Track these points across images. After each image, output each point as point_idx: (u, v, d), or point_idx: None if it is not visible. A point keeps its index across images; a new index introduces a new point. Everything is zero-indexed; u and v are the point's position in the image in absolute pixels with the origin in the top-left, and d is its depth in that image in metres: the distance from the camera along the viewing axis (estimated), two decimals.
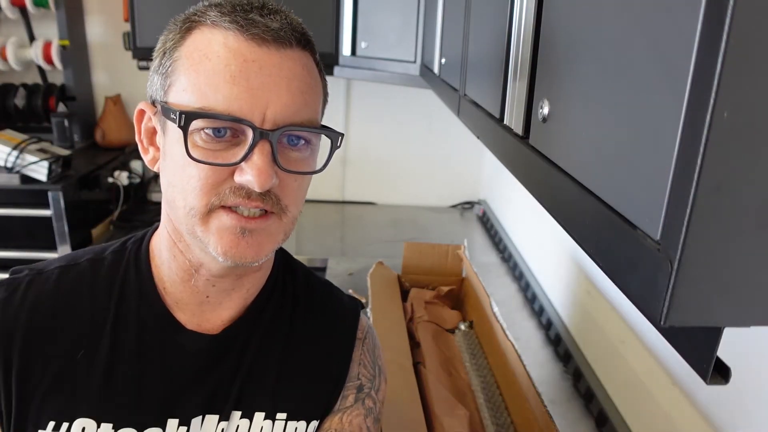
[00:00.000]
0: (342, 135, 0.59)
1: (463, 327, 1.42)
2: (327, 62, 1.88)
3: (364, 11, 1.71)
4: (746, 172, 0.25)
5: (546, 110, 0.46)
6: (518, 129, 0.55)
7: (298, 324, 0.70)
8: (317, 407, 0.68)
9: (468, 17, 0.86)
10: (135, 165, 2.22)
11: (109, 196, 2.11)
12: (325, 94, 0.62)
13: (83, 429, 0.58)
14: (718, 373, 0.29)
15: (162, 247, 0.62)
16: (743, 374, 0.75)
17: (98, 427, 0.58)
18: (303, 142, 0.57)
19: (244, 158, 0.52)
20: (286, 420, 0.66)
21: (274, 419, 0.65)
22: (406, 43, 1.50)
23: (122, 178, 2.10)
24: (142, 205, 2.25)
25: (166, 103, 0.55)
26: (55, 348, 0.59)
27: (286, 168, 0.55)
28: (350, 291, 1.60)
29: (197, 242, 0.57)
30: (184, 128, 0.52)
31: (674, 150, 0.27)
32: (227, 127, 0.53)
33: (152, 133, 0.61)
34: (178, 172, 0.55)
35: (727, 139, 0.24)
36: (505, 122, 0.60)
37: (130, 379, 0.60)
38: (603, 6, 0.36)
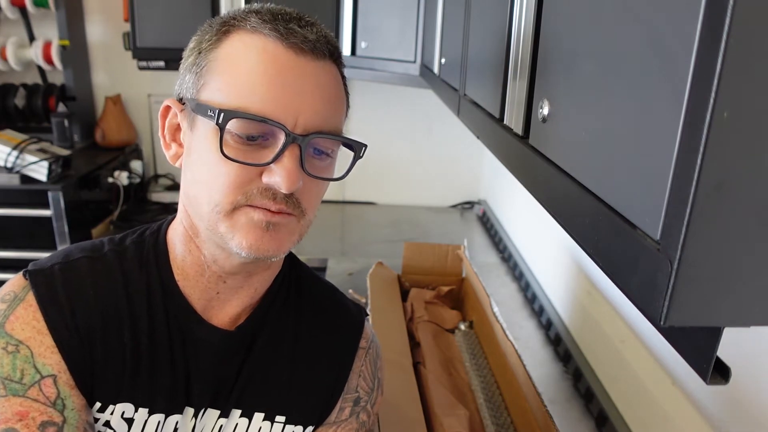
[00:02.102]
0: (366, 146, 0.61)
1: (463, 327, 1.42)
2: None
3: (364, 11, 1.70)
4: (746, 172, 0.25)
5: (546, 110, 0.46)
6: (518, 129, 0.55)
7: (303, 327, 0.70)
8: (314, 413, 0.69)
9: (468, 17, 0.86)
10: (135, 165, 2.22)
11: (109, 196, 2.11)
12: (348, 107, 0.64)
13: (123, 413, 0.59)
14: (718, 373, 0.29)
15: (177, 241, 0.64)
16: (743, 374, 0.75)
17: (136, 411, 0.60)
18: (325, 154, 0.59)
19: (275, 160, 0.54)
20: (285, 423, 0.66)
21: (273, 421, 0.66)
22: (406, 43, 1.50)
23: (122, 178, 2.10)
24: (142, 205, 2.25)
25: (198, 101, 0.56)
26: (103, 333, 0.59)
27: (311, 173, 0.57)
28: (350, 291, 1.60)
29: (217, 238, 0.58)
30: (222, 126, 0.53)
31: (674, 150, 0.27)
32: (260, 133, 0.54)
33: (176, 129, 0.62)
34: (204, 169, 0.56)
35: (727, 139, 0.24)
36: (505, 122, 0.60)
37: (163, 366, 0.61)
38: (603, 6, 0.36)
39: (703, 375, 0.29)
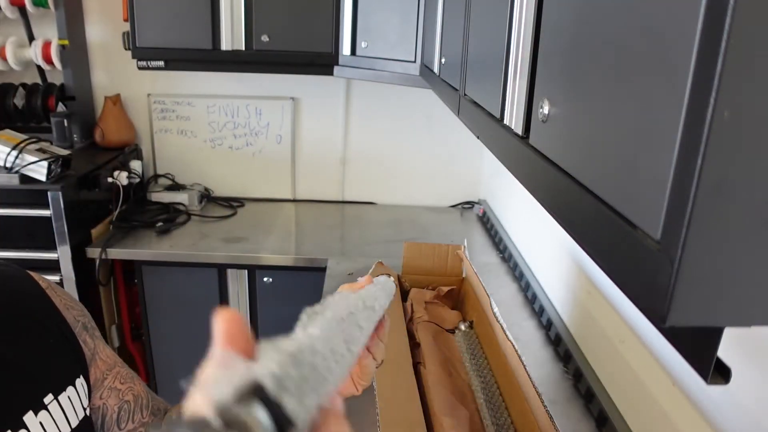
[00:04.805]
0: None
1: (463, 327, 1.42)
2: (327, 62, 1.88)
3: (364, 11, 1.70)
4: (746, 172, 0.25)
5: (546, 110, 0.46)
6: (518, 129, 0.55)
7: None
8: (71, 367, 0.68)
9: (468, 17, 0.86)
10: (134, 165, 2.22)
11: (109, 196, 2.11)
12: None
13: None
14: (718, 373, 0.29)
15: None
16: (743, 374, 0.75)
17: None
18: None
19: None
20: (55, 398, 0.63)
21: (44, 408, 0.62)
22: (406, 43, 1.50)
23: (122, 178, 2.10)
24: (141, 205, 2.25)
25: None
26: None
27: None
28: None
29: None
30: None
31: (674, 150, 0.27)
32: None
33: None
34: None
35: (727, 139, 0.24)
36: (505, 122, 0.60)
37: None
38: (603, 6, 0.36)
39: (703, 375, 0.29)
